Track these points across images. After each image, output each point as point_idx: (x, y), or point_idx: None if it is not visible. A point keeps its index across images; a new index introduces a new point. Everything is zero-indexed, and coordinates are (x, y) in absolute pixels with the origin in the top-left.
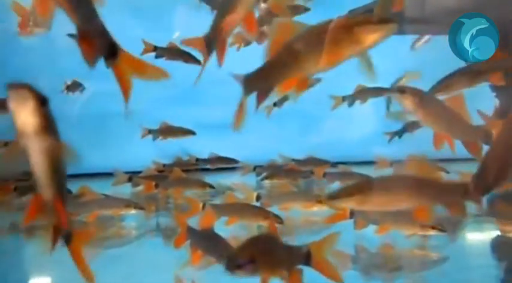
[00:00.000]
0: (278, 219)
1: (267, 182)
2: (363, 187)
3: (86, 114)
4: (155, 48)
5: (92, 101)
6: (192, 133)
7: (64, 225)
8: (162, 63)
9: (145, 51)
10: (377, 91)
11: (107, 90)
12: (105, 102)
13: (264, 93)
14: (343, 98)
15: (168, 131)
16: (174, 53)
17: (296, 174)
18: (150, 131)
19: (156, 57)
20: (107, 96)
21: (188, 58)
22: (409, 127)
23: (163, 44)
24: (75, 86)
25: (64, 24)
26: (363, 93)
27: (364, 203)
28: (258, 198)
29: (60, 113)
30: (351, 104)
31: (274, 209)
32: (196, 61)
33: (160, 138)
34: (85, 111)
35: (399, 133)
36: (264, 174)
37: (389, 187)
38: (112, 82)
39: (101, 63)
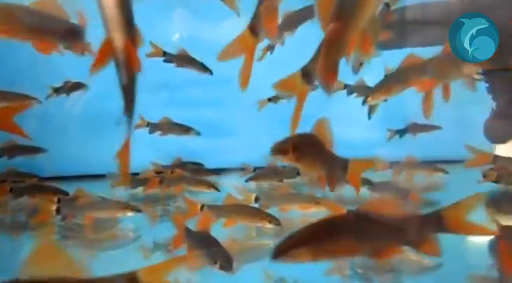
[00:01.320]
0: (276, 220)
1: (266, 184)
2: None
3: (83, 115)
4: (164, 53)
5: (89, 102)
6: (195, 132)
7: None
8: (167, 69)
9: (153, 54)
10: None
11: (103, 91)
12: (102, 103)
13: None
14: (345, 86)
15: (170, 127)
16: (183, 60)
17: (282, 175)
18: (149, 124)
19: (165, 61)
20: (103, 96)
21: (198, 66)
22: (412, 129)
23: (163, 45)
24: (78, 86)
25: None
26: (362, 88)
27: None
28: (257, 199)
29: (57, 114)
30: (349, 94)
31: (273, 210)
32: (206, 69)
33: (159, 133)
34: (82, 112)
35: (400, 132)
36: (249, 175)
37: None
38: (108, 82)
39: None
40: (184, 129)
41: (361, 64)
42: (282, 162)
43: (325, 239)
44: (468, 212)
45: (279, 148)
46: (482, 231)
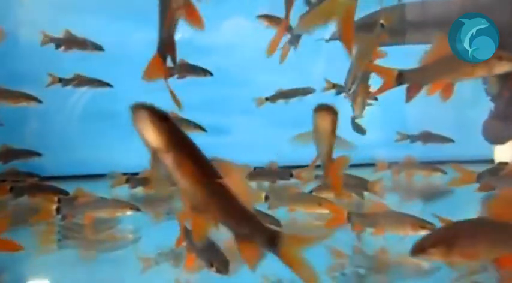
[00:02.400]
0: (276, 222)
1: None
2: None
3: (83, 114)
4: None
5: (89, 101)
6: (202, 129)
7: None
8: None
9: None
10: None
11: (103, 90)
12: (102, 102)
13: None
14: (334, 85)
15: (176, 121)
16: (184, 69)
17: (275, 175)
18: None
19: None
20: (103, 96)
21: (199, 73)
22: (423, 137)
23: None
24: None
25: (64, 24)
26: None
27: None
28: (267, 198)
29: (57, 114)
30: (338, 93)
31: (282, 210)
32: (207, 73)
33: None
34: (82, 112)
35: (412, 138)
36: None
37: None
38: (109, 81)
39: (98, 63)
40: (191, 125)
41: (354, 82)
42: None
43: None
44: (304, 248)
45: None
46: (308, 274)
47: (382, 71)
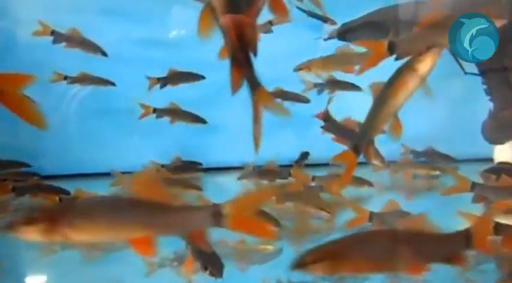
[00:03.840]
0: (275, 222)
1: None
2: None
3: (83, 112)
4: (158, 79)
5: (89, 100)
6: (203, 121)
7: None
8: (164, 64)
9: (152, 84)
10: (346, 85)
11: (103, 89)
12: (102, 101)
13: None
14: (315, 84)
15: (178, 113)
16: (176, 78)
17: (274, 175)
18: (155, 110)
19: (161, 87)
20: (103, 95)
21: (191, 78)
22: (427, 154)
23: (161, 45)
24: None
25: (64, 22)
26: (333, 84)
27: None
28: None
29: (57, 111)
30: (320, 92)
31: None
32: (200, 77)
33: (168, 119)
34: (82, 109)
35: (415, 153)
36: (242, 174)
37: None
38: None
39: (97, 62)
40: (194, 118)
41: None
42: None
43: None
44: (250, 208)
45: None
46: (263, 231)
47: (371, 44)
